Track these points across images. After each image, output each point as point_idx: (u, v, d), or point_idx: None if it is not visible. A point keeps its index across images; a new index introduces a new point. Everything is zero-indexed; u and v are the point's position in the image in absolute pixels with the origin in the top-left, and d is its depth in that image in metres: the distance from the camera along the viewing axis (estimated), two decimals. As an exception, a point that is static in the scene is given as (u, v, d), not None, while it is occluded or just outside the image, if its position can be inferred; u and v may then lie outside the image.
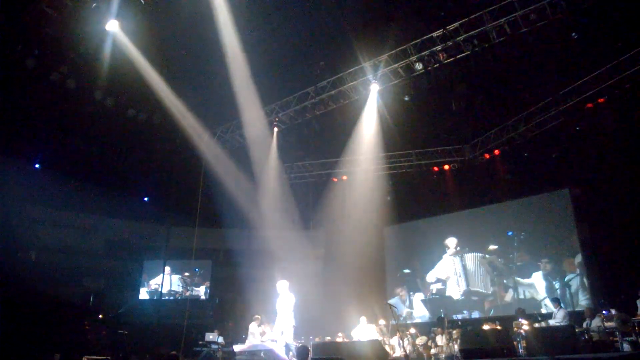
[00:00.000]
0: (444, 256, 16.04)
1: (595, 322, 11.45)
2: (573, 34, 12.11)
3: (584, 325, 11.53)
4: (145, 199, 16.56)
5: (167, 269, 16.44)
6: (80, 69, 13.11)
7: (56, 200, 16.31)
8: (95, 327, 14.80)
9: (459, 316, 15.08)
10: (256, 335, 12.90)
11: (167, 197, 16.42)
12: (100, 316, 15.41)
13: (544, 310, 13.05)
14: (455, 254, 15.92)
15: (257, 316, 13.23)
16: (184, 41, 12.94)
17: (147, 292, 16.38)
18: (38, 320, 13.40)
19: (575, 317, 11.83)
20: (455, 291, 15.65)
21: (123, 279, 16.86)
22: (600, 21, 11.82)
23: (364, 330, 12.80)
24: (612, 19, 11.79)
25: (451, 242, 16.00)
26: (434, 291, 15.99)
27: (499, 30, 12.11)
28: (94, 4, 10.96)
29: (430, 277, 16.19)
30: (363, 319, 13.03)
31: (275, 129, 15.95)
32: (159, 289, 16.29)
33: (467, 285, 15.51)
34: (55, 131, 14.69)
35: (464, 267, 15.70)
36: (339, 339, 13.67)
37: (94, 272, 16.56)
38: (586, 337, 10.96)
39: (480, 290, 15.22)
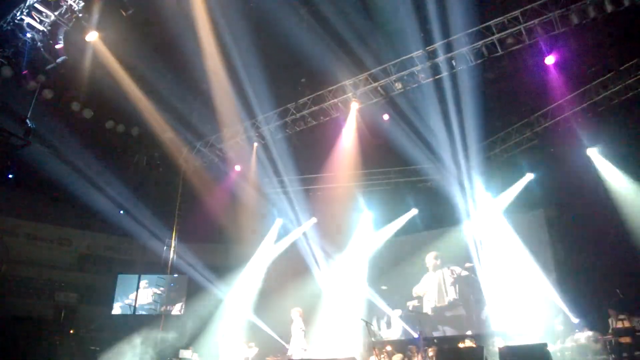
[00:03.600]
0: (429, 271, 16.14)
1: (568, 341, 11.64)
2: (547, 58, 12.47)
3: (558, 343, 11.70)
4: (121, 212, 16.29)
5: (142, 283, 16.16)
6: (58, 79, 12.99)
7: (29, 212, 15.97)
8: (66, 342, 14.45)
9: (435, 333, 15.12)
10: (225, 353, 12.87)
11: (144, 210, 16.19)
12: (72, 331, 15.05)
13: (519, 328, 13.18)
14: (434, 269, 16.03)
15: (222, 333, 13.23)
16: (165, 55, 12.93)
17: (120, 307, 16.03)
18: (7, 335, 13.04)
19: (549, 336, 11.98)
20: (432, 307, 15.72)
21: (96, 294, 16.48)
22: (575, 46, 12.18)
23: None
24: (587, 45, 12.13)
25: (430, 257, 16.11)
26: (410, 308, 16.04)
27: (476, 53, 12.37)
28: (76, 14, 10.88)
29: (414, 291, 16.25)
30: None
31: (255, 144, 15.95)
32: (133, 304, 15.98)
33: (443, 301, 15.60)
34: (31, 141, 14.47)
35: (441, 283, 15.80)
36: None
37: (66, 286, 16.19)
38: (559, 355, 11.11)
39: (456, 306, 15.32)
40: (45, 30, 11.13)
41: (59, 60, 11.76)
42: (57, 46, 11.54)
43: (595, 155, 13.72)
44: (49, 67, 12.08)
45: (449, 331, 15.17)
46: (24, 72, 12.34)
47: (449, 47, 12.46)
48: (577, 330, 11.82)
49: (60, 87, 13.47)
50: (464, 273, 15.35)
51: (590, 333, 11.34)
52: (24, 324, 13.98)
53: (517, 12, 11.59)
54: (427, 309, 15.75)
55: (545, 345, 9.29)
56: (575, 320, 12.53)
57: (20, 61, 11.87)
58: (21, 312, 14.64)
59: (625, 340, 10.32)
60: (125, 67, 12.76)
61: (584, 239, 13.29)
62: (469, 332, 14.29)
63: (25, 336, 13.46)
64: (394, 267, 16.66)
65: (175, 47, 12.50)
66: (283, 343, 12.16)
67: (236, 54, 12.75)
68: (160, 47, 12.74)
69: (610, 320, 11.05)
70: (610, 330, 10.84)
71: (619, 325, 10.74)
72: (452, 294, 15.50)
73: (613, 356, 10.36)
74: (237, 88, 13.52)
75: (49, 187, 14.57)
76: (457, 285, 15.47)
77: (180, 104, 14.28)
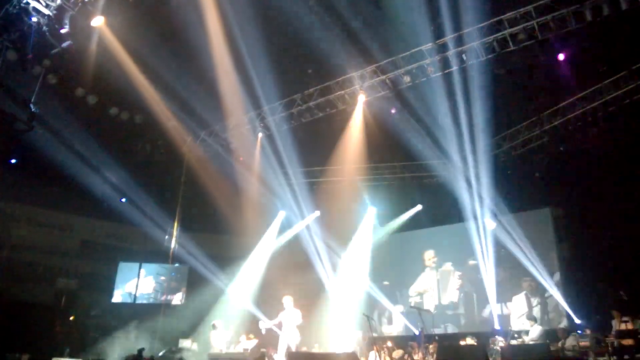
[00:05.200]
0: (426, 269, 16.04)
1: (570, 341, 11.55)
2: (559, 54, 12.30)
3: (559, 343, 11.62)
4: (123, 200, 16.22)
5: (143, 272, 16.13)
6: (63, 64, 12.88)
7: (31, 197, 15.88)
8: (66, 328, 14.45)
9: (437, 330, 15.06)
10: (217, 345, 12.83)
11: (146, 199, 16.13)
12: (72, 318, 15.05)
13: (520, 327, 13.11)
14: (434, 267, 15.94)
15: (213, 323, 13.18)
16: (171, 42, 12.77)
17: (121, 295, 16.01)
18: (7, 319, 13.04)
19: (551, 335, 11.92)
20: (433, 304, 15.65)
21: (97, 281, 16.45)
22: (587, 44, 12.00)
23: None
24: (600, 43, 11.94)
25: (429, 254, 16.02)
26: (412, 304, 15.97)
27: (487, 48, 12.20)
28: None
29: (412, 290, 16.18)
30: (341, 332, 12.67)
31: (260, 135, 15.83)
32: (134, 292, 15.96)
33: (445, 299, 15.53)
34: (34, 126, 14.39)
35: (443, 280, 15.73)
36: (315, 349, 13.55)
37: (67, 273, 16.15)
38: (560, 355, 11.03)
39: (458, 304, 15.25)
40: (50, 14, 11.00)
41: (64, 45, 11.64)
42: (62, 31, 11.42)
43: (604, 156, 13.54)
44: (54, 51, 11.97)
45: (451, 328, 15.13)
46: (29, 56, 12.24)
47: (459, 41, 12.30)
48: (579, 331, 11.73)
49: (65, 72, 13.38)
50: (468, 271, 15.26)
51: (592, 334, 11.25)
52: (24, 309, 14.00)
53: (530, 7, 11.41)
54: (430, 306, 15.68)
55: (547, 345, 9.23)
56: (578, 320, 12.45)
57: (25, 45, 11.73)
58: (21, 297, 14.65)
59: (628, 342, 10.22)
60: (131, 53, 12.63)
61: (590, 239, 13.21)
62: (470, 330, 14.23)
63: (25, 321, 13.47)
64: (397, 263, 16.62)
65: (181, 34, 12.35)
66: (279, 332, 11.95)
67: (243, 43, 12.60)
68: (166, 34, 12.58)
69: (613, 322, 10.95)
70: (612, 332, 10.73)
71: (622, 327, 10.63)
72: (455, 292, 15.43)
73: (615, 358, 10.28)
74: (243, 77, 13.37)
75: (51, 172, 14.51)
76: (460, 283, 15.40)
77: (185, 92, 14.13)
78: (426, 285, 16.00)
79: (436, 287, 15.80)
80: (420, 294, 16.03)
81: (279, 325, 11.42)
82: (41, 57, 12.45)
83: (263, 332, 11.54)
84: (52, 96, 13.29)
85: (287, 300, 11.58)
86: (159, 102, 13.95)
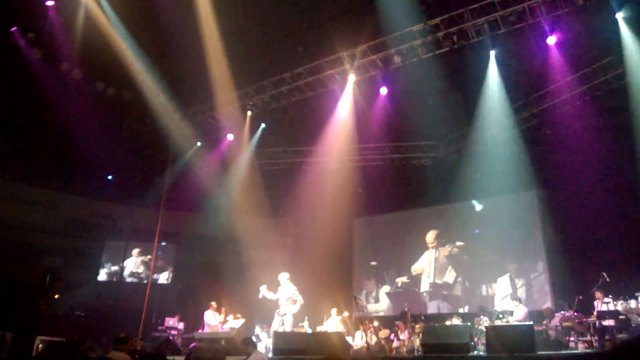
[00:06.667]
0: (424, 251, 16.17)
1: (554, 322, 11.74)
2: (549, 38, 12.31)
3: (543, 324, 11.81)
4: (109, 177, 16.04)
5: (135, 251, 16.05)
6: (48, 37, 12.60)
7: (15, 173, 15.62)
8: (51, 307, 14.35)
9: (429, 310, 15.22)
10: (212, 324, 12.83)
11: (133, 177, 15.96)
12: (57, 296, 14.95)
13: (505, 308, 13.28)
14: (432, 247, 16.00)
15: (212, 303, 13.17)
16: (160, 17, 12.55)
17: (106, 273, 15.94)
18: (-10, 297, 12.93)
19: (535, 316, 12.08)
20: (423, 285, 15.77)
21: (82, 259, 16.33)
22: (577, 28, 12.01)
23: (333, 323, 12.75)
24: (589, 27, 11.97)
25: (431, 235, 16.05)
26: (399, 284, 16.09)
27: (478, 29, 12.17)
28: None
29: (413, 270, 16.25)
30: (334, 311, 12.95)
31: (249, 113, 15.69)
32: (120, 271, 15.88)
33: (433, 279, 15.65)
34: (18, 100, 14.08)
35: (437, 262, 15.81)
36: (301, 329, 13.59)
37: (52, 251, 15.96)
38: (544, 336, 11.21)
39: (445, 285, 15.40)
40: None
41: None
42: (48, 3, 11.18)
43: (591, 139, 13.65)
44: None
45: (441, 308, 15.23)
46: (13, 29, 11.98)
47: (450, 22, 12.24)
48: (562, 312, 11.91)
49: (50, 46, 13.08)
50: (456, 252, 15.37)
51: (575, 314, 11.42)
52: (8, 288, 13.86)
53: (522, -10, 11.39)
54: (424, 286, 15.76)
55: (531, 325, 9.36)
56: (562, 301, 12.63)
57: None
58: (5, 275, 14.49)
59: (609, 323, 10.41)
60: (118, 28, 12.40)
61: (575, 222, 13.33)
62: (456, 310, 14.38)
63: (9, 299, 13.35)
64: (384, 244, 16.68)
65: (169, 10, 12.15)
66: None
67: (233, 19, 12.44)
68: (154, 9, 12.36)
69: (595, 303, 11.13)
70: (595, 313, 10.93)
71: (604, 308, 10.82)
72: (445, 274, 15.52)
73: (596, 338, 10.47)
74: (232, 54, 13.21)
75: (36, 149, 14.29)
76: (449, 265, 15.50)
77: (173, 69, 13.94)
78: (424, 266, 16.04)
79: (432, 268, 15.87)
80: (418, 275, 16.08)
81: (277, 302, 11.50)
82: (26, 30, 12.17)
83: (260, 296, 11.54)
84: (36, 70, 13.04)
85: (283, 277, 11.65)
86: (146, 78, 13.74)
